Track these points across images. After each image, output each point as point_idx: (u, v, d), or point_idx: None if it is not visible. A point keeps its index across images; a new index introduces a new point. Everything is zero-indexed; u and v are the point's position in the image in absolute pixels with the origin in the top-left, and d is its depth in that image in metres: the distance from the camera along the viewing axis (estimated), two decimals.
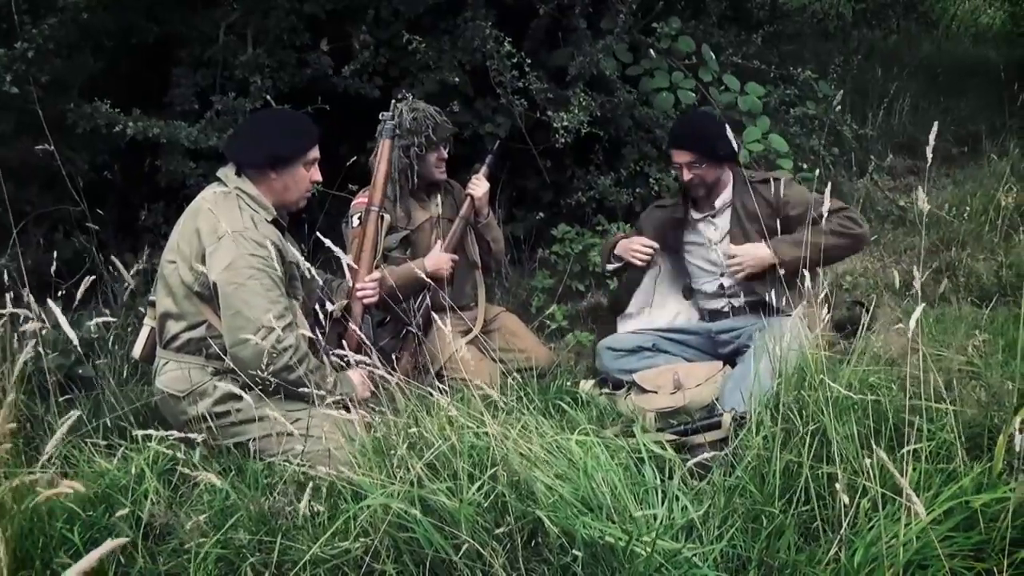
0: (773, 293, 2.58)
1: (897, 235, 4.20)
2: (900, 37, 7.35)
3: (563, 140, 3.67)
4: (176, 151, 3.47)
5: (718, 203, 2.94)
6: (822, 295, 2.25)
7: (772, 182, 2.85)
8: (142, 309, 3.04)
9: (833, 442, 1.81)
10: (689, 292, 3.10)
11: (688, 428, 2.35)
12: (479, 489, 1.73)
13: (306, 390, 2.14)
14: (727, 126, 2.94)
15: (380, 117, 2.85)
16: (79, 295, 2.51)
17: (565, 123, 3.63)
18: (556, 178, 4.23)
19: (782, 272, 2.58)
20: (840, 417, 1.93)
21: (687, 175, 2.87)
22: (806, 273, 2.25)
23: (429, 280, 2.47)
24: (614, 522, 1.68)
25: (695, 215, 2.99)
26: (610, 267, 3.10)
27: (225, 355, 2.24)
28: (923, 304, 1.71)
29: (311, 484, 1.86)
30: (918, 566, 1.60)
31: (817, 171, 3.24)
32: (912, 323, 1.66)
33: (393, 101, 2.94)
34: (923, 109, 5.82)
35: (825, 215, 2.35)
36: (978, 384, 2.37)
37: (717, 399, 2.59)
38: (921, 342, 1.85)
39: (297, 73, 3.73)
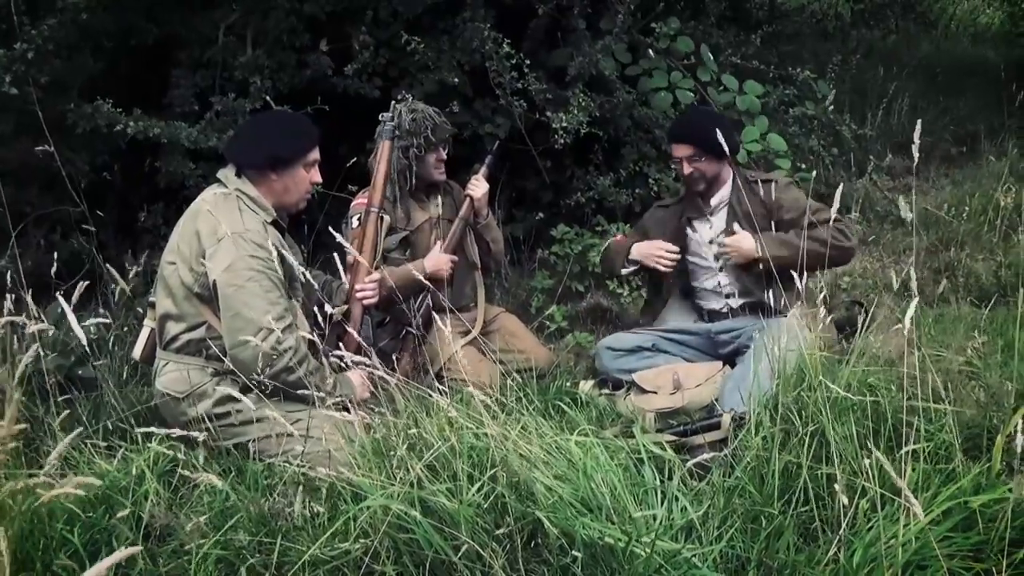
0: (771, 294, 2.58)
1: (896, 235, 4.20)
2: (899, 37, 7.36)
3: (562, 141, 3.67)
4: (176, 152, 3.47)
5: (714, 201, 2.94)
6: (821, 296, 2.25)
7: (768, 184, 2.86)
8: (140, 310, 3.05)
9: (832, 443, 1.81)
10: (689, 291, 3.10)
11: (687, 429, 2.35)
12: (479, 490, 1.73)
13: (306, 391, 2.14)
14: (726, 121, 2.95)
15: (380, 118, 2.85)
16: (75, 298, 2.50)
17: (564, 124, 3.63)
18: (555, 179, 4.24)
19: (760, 267, 2.61)
20: (839, 418, 1.93)
21: (687, 169, 2.88)
22: (795, 275, 2.26)
23: (428, 281, 2.47)
24: (613, 523, 1.68)
25: (695, 213, 3.00)
26: (626, 271, 3.09)
27: (225, 356, 2.25)
28: (916, 300, 1.71)
29: (302, 485, 1.86)
30: (917, 566, 1.60)
31: (815, 172, 3.25)
32: (907, 321, 1.66)
33: (392, 102, 2.94)
34: (922, 109, 5.82)
35: (831, 221, 2.33)
36: (977, 384, 2.37)
37: (716, 399, 2.60)
38: (920, 343, 1.85)
39: (296, 74, 3.73)
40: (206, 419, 2.28)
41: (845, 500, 1.63)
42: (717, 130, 2.53)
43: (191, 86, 3.65)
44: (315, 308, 2.34)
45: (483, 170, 3.04)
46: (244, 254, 2.26)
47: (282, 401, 2.24)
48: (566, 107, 3.72)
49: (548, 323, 3.59)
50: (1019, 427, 1.61)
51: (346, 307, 2.58)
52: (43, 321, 2.23)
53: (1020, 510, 1.67)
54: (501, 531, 1.69)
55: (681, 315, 3.08)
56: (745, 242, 2.77)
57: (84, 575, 0.98)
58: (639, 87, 4.10)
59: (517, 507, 1.72)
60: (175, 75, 3.67)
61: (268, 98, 3.49)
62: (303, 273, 2.12)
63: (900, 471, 1.63)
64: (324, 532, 1.75)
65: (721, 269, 2.94)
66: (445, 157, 2.98)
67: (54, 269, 2.76)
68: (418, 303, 2.84)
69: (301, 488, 1.93)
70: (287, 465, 2.02)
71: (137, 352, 2.50)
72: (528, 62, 3.71)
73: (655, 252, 2.96)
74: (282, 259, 2.33)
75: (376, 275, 2.69)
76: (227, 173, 2.44)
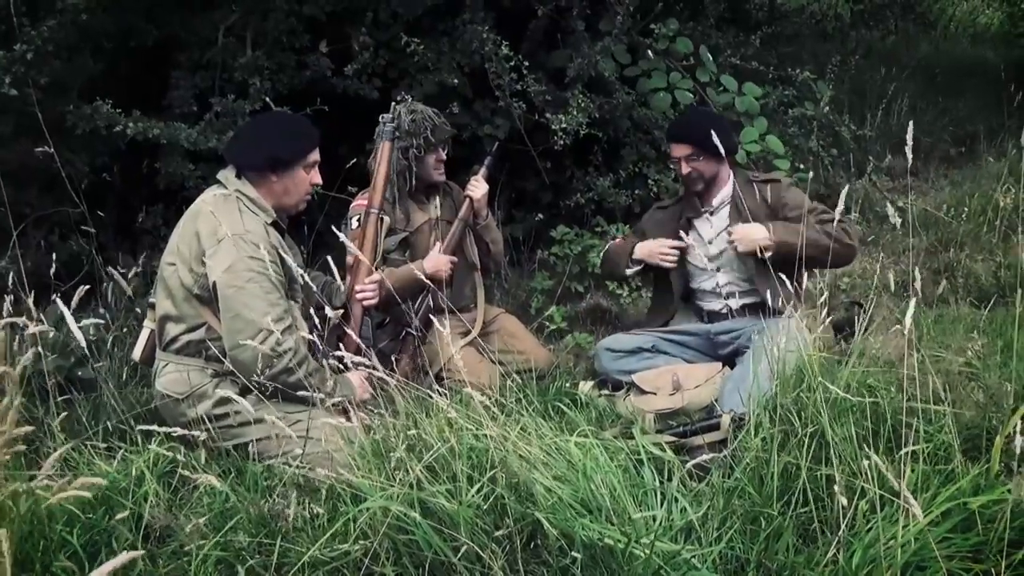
0: (770, 294, 2.58)
1: (895, 236, 4.20)
2: (898, 38, 7.36)
3: (562, 142, 3.67)
4: (175, 153, 3.47)
5: (716, 200, 2.95)
6: (822, 297, 2.25)
7: (772, 184, 2.87)
8: (140, 311, 3.05)
9: (831, 444, 1.81)
10: (688, 294, 3.10)
11: (687, 429, 2.36)
12: (478, 491, 1.73)
13: (305, 393, 2.14)
14: (725, 121, 2.95)
15: (380, 119, 2.85)
16: (75, 301, 2.51)
17: (563, 125, 3.63)
18: (555, 179, 4.24)
19: (769, 254, 2.62)
20: (838, 419, 1.93)
21: (685, 168, 2.89)
22: (804, 272, 2.26)
23: (428, 282, 2.47)
24: (613, 524, 1.68)
25: (695, 212, 3.00)
26: (630, 271, 3.09)
27: (225, 357, 2.25)
28: (914, 300, 1.71)
29: (299, 486, 1.86)
30: (916, 567, 1.60)
31: (811, 173, 3.25)
32: (908, 322, 1.67)
33: (392, 103, 2.95)
34: (921, 110, 5.83)
35: (834, 221, 2.34)
36: (976, 385, 2.38)
37: (716, 400, 2.60)
38: (919, 344, 1.85)
39: (296, 75, 3.73)
40: (206, 420, 2.28)
41: (844, 501, 1.63)
42: (715, 130, 2.54)
43: (191, 87, 3.65)
44: (314, 310, 2.35)
45: (482, 171, 3.04)
46: (244, 255, 2.26)
47: (282, 402, 2.24)
48: (565, 108, 3.72)
49: (548, 324, 3.59)
50: (1018, 428, 1.61)
51: (343, 311, 2.58)
52: (43, 322, 2.23)
53: (1019, 511, 1.68)
54: (500, 532, 1.69)
55: (681, 317, 3.08)
56: (754, 229, 2.76)
57: None
58: (638, 88, 4.10)
59: (516, 508, 1.72)
60: (175, 76, 3.67)
61: (268, 99, 3.49)
62: (302, 275, 2.12)
63: (899, 472, 1.63)
64: (324, 533, 1.75)
65: (718, 270, 2.94)
66: (445, 158, 2.99)
67: (53, 270, 2.76)
68: (418, 304, 2.84)
69: (297, 489, 1.93)
70: (287, 466, 2.02)
71: (137, 353, 2.50)
72: (527, 64, 3.71)
73: (658, 249, 2.96)
74: (282, 260, 2.33)
75: (376, 276, 2.69)
76: (227, 174, 2.44)
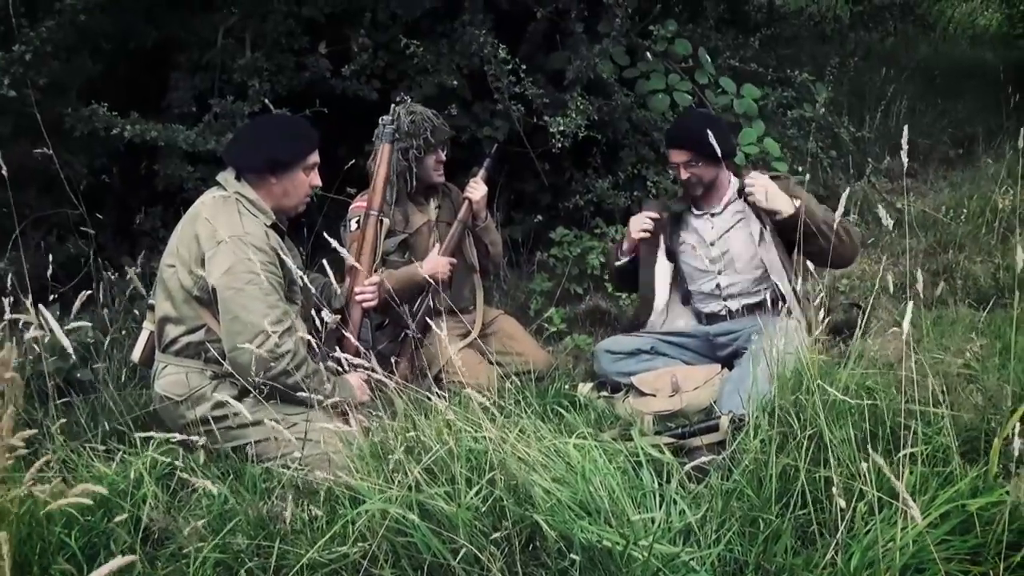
0: (768, 296, 2.59)
1: (894, 238, 4.20)
2: (897, 39, 7.36)
3: (560, 144, 3.67)
4: (174, 155, 3.47)
5: (717, 203, 2.95)
6: (819, 298, 2.25)
7: (777, 181, 2.87)
8: (139, 312, 3.05)
9: (830, 446, 1.81)
10: (688, 297, 3.10)
11: (686, 431, 2.36)
12: (477, 493, 1.73)
13: (304, 395, 2.14)
14: (723, 124, 2.95)
15: (380, 121, 2.85)
16: (76, 306, 2.51)
17: (562, 128, 3.63)
18: (554, 181, 4.24)
19: (781, 217, 2.60)
20: (837, 421, 1.93)
21: (684, 174, 2.89)
22: (811, 265, 2.27)
23: (427, 284, 2.47)
24: (612, 526, 1.68)
25: (695, 212, 3.00)
26: (620, 262, 3.08)
27: (224, 359, 2.25)
28: (911, 303, 1.71)
29: (296, 488, 1.86)
30: (915, 570, 1.60)
31: (808, 176, 3.25)
32: (905, 325, 1.67)
33: (392, 105, 2.95)
34: (920, 111, 5.83)
35: (837, 220, 2.33)
36: (975, 387, 2.38)
37: (715, 402, 2.60)
38: (918, 345, 1.85)
39: (295, 76, 3.74)
40: (205, 422, 2.28)
41: (843, 503, 1.63)
42: (714, 134, 2.54)
43: (190, 88, 3.65)
44: (313, 312, 2.35)
45: (482, 173, 3.04)
46: (243, 257, 2.26)
47: (281, 404, 2.24)
48: (564, 111, 3.73)
49: (547, 325, 3.59)
50: (1016, 430, 1.61)
51: (339, 316, 2.58)
52: (42, 326, 2.23)
53: (1017, 513, 1.68)
54: (499, 534, 1.69)
55: (677, 317, 3.08)
56: (776, 191, 2.72)
57: None
58: (637, 90, 4.11)
59: (515, 510, 1.72)
60: (174, 77, 3.67)
61: (267, 101, 3.49)
62: (301, 277, 2.12)
63: (898, 474, 1.63)
64: (322, 536, 1.75)
65: (720, 272, 2.94)
66: (444, 159, 2.99)
67: (50, 271, 2.76)
68: (417, 306, 2.84)
69: (296, 491, 1.93)
70: (285, 468, 2.02)
71: (136, 355, 2.50)
72: (524, 67, 3.70)
73: (634, 223, 2.96)
74: (281, 263, 2.33)
75: (375, 278, 2.69)
76: (226, 176, 2.44)
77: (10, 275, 2.69)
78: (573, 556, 1.63)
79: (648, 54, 4.06)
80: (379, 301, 2.69)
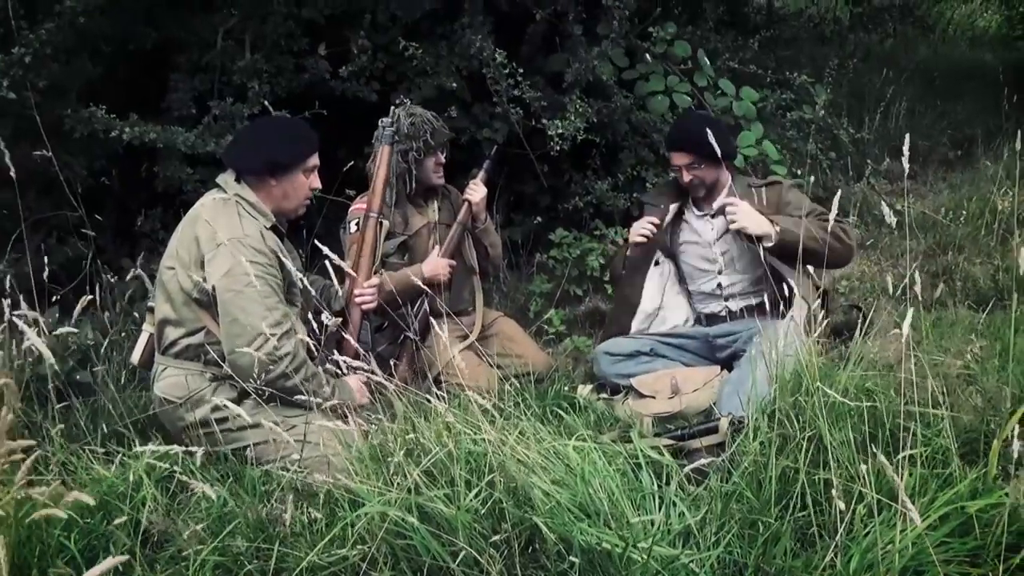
0: (766, 297, 2.59)
1: (893, 239, 4.21)
2: (897, 41, 7.37)
3: (559, 146, 3.68)
4: (173, 156, 3.47)
5: (717, 203, 2.96)
6: (818, 300, 2.26)
7: (775, 186, 2.88)
8: (139, 315, 3.05)
9: (829, 448, 1.81)
10: (686, 296, 3.10)
11: (685, 433, 2.36)
12: (476, 496, 1.73)
13: (303, 397, 2.14)
14: (723, 126, 2.96)
15: (379, 123, 2.85)
16: (77, 311, 2.51)
17: (560, 130, 3.63)
18: (554, 183, 4.24)
19: (770, 244, 2.62)
20: (836, 423, 1.93)
21: (686, 177, 2.90)
22: (810, 270, 2.27)
23: (427, 286, 2.47)
24: (611, 528, 1.68)
25: (696, 212, 3.01)
26: (622, 264, 3.08)
27: (223, 362, 2.25)
28: (912, 310, 1.71)
29: (295, 490, 1.86)
30: (914, 572, 1.60)
31: (812, 177, 3.26)
32: (905, 328, 1.67)
33: (392, 106, 2.95)
34: (920, 113, 5.83)
35: (832, 219, 2.34)
36: (974, 389, 2.38)
37: (714, 404, 2.60)
38: (918, 347, 1.85)
39: (295, 78, 3.73)
40: (204, 424, 2.28)
41: (842, 505, 1.63)
42: (714, 136, 2.54)
43: (189, 90, 3.65)
44: (312, 314, 2.35)
45: (481, 174, 3.05)
46: (243, 259, 2.26)
47: (280, 407, 2.24)
48: (563, 113, 3.73)
49: (546, 327, 3.59)
50: (1015, 432, 1.61)
51: (340, 319, 2.58)
52: (42, 330, 2.23)
53: (1016, 515, 1.68)
54: (498, 537, 1.69)
55: (673, 317, 3.08)
56: (755, 217, 2.71)
57: None
58: (636, 91, 4.11)
59: (515, 513, 1.72)
60: (173, 79, 3.67)
61: (266, 102, 3.49)
62: (300, 280, 2.12)
63: (897, 476, 1.63)
64: (322, 538, 1.75)
65: (720, 272, 2.95)
66: (444, 161, 2.99)
67: (46, 273, 2.75)
68: (416, 308, 2.84)
69: (295, 494, 1.93)
70: (285, 471, 2.02)
71: (136, 357, 2.50)
72: (521, 70, 3.70)
73: (636, 227, 2.94)
74: (281, 265, 2.33)
75: (375, 280, 2.69)
76: (226, 178, 2.44)
77: (9, 277, 2.69)
78: (572, 558, 1.63)
79: (647, 56, 4.06)
80: (378, 303, 2.68)
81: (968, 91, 6.33)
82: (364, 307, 2.66)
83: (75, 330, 2.36)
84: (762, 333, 2.50)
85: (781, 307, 2.62)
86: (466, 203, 2.99)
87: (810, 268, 2.36)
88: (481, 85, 3.81)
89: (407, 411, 1.99)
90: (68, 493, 1.54)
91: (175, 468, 1.98)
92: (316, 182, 2.50)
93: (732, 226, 2.73)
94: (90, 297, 2.55)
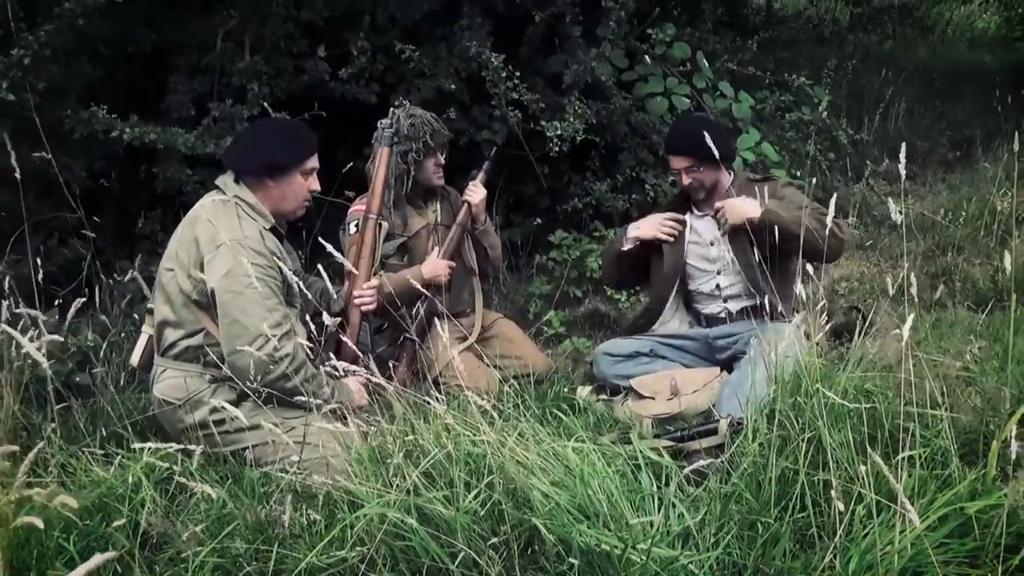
0: (766, 299, 2.59)
1: (893, 240, 4.21)
2: (896, 42, 7.37)
3: (558, 148, 3.68)
4: (173, 158, 3.47)
5: (718, 203, 2.96)
6: (821, 303, 2.25)
7: (770, 182, 2.90)
8: (138, 316, 3.05)
9: (828, 449, 1.81)
10: (687, 296, 3.10)
11: (685, 434, 2.36)
12: (475, 497, 1.73)
13: (303, 398, 2.14)
14: (722, 128, 2.96)
15: (379, 124, 2.86)
16: (72, 311, 2.51)
17: (559, 131, 3.64)
18: (553, 184, 4.24)
19: (753, 218, 2.64)
20: (836, 424, 1.93)
21: (686, 180, 2.91)
22: (810, 269, 2.28)
23: (426, 287, 2.47)
24: (610, 530, 1.68)
25: (696, 213, 3.01)
26: (627, 247, 3.04)
27: (223, 363, 2.25)
28: (913, 315, 1.71)
29: (293, 492, 1.86)
30: (913, 573, 1.60)
31: (814, 179, 3.26)
32: (906, 332, 1.67)
33: (391, 108, 2.95)
34: (919, 114, 5.84)
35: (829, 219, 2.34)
36: (973, 390, 2.38)
37: (714, 405, 2.60)
38: (917, 348, 1.85)
39: (294, 80, 3.74)
40: (203, 426, 2.28)
41: (841, 506, 1.63)
42: (713, 138, 2.55)
43: (189, 92, 3.65)
44: (310, 316, 2.35)
45: (480, 176, 3.05)
46: (243, 261, 2.26)
47: (279, 408, 2.24)
48: (562, 115, 3.73)
49: (546, 329, 3.59)
50: (1014, 433, 1.61)
51: (340, 319, 2.58)
52: (42, 331, 2.23)
53: (1015, 516, 1.68)
54: (498, 538, 1.69)
55: (676, 320, 3.08)
56: (745, 202, 2.75)
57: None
58: (635, 92, 4.11)
59: (514, 514, 1.72)
60: (172, 81, 3.67)
61: (265, 104, 3.49)
62: (297, 283, 2.12)
63: (896, 477, 1.63)
64: (321, 540, 1.75)
65: (719, 272, 2.95)
66: (443, 162, 2.99)
67: (40, 275, 2.75)
68: (416, 309, 2.84)
69: (294, 495, 1.93)
70: (284, 472, 2.02)
71: (135, 359, 2.50)
72: (518, 74, 3.69)
73: (658, 221, 2.95)
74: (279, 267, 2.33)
75: (374, 281, 2.69)
76: (226, 180, 2.44)
77: (7, 279, 2.69)
78: (572, 560, 1.63)
79: (646, 57, 4.07)
80: (378, 305, 2.68)
81: (967, 92, 6.34)
82: (363, 309, 2.66)
83: (59, 338, 2.36)
84: (762, 334, 2.50)
85: (780, 308, 2.63)
86: (465, 204, 2.99)
87: (809, 269, 2.36)
88: (480, 87, 3.81)
89: (406, 412, 1.99)
90: (55, 496, 1.54)
91: (174, 468, 1.98)
92: (315, 184, 2.50)
93: (727, 224, 2.76)
94: (83, 299, 2.55)
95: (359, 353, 2.31)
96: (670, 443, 2.30)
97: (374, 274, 2.72)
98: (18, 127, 3.15)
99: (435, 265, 2.86)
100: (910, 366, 1.83)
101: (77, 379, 2.74)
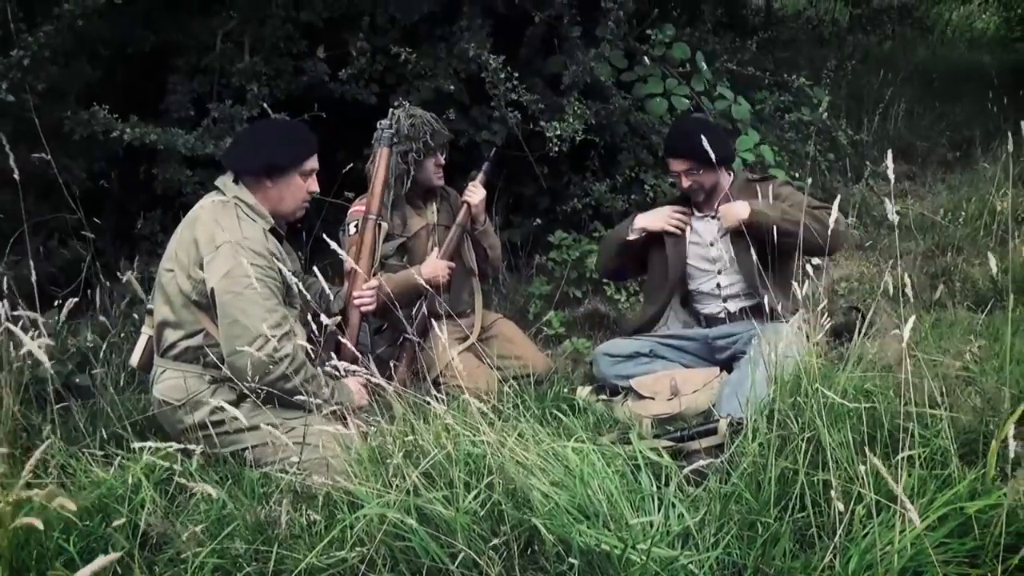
0: (767, 297, 2.59)
1: (892, 240, 4.21)
2: (895, 43, 7.38)
3: (558, 148, 3.68)
4: (173, 159, 3.47)
5: (718, 203, 2.96)
6: (820, 303, 2.26)
7: (768, 182, 2.91)
8: (138, 317, 3.05)
9: (828, 449, 1.81)
10: (687, 296, 3.10)
11: (684, 434, 2.36)
12: (475, 498, 1.73)
13: (302, 399, 2.14)
14: (720, 130, 2.97)
15: (378, 125, 2.86)
16: (64, 312, 2.50)
17: (558, 132, 3.64)
18: (552, 185, 4.25)
19: (744, 218, 2.69)
20: (835, 424, 1.93)
21: (686, 182, 2.91)
22: (810, 269, 2.28)
23: (426, 287, 2.47)
24: (610, 530, 1.68)
25: (696, 213, 3.02)
26: (632, 236, 3.04)
27: (222, 364, 2.25)
28: (914, 317, 1.71)
29: (292, 493, 1.86)
30: (913, 572, 1.60)
31: (810, 180, 3.27)
32: (906, 334, 1.67)
33: (391, 108, 2.95)
34: (918, 114, 5.85)
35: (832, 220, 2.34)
36: (973, 390, 2.38)
37: (714, 405, 2.60)
38: (916, 348, 1.85)
39: (294, 80, 3.74)
40: (203, 426, 2.28)
41: (841, 506, 1.63)
42: (712, 140, 2.55)
43: (188, 93, 3.65)
44: (310, 316, 2.35)
45: (480, 176, 3.05)
46: (243, 261, 2.26)
47: (279, 408, 2.24)
48: (561, 115, 3.73)
49: (546, 329, 3.60)
50: (1013, 432, 1.61)
51: (339, 318, 2.58)
52: (42, 332, 2.23)
53: (1015, 515, 1.68)
54: (497, 539, 1.69)
55: (677, 321, 3.09)
56: (737, 206, 2.79)
57: None
58: (634, 93, 4.11)
59: (513, 514, 1.72)
60: (172, 82, 3.67)
61: (265, 105, 3.49)
62: (296, 284, 2.12)
63: (896, 477, 1.63)
64: (320, 540, 1.75)
65: (720, 272, 2.95)
66: (443, 162, 2.99)
67: (34, 278, 2.75)
68: (415, 310, 2.84)
69: (294, 496, 1.93)
70: (283, 473, 2.02)
71: (135, 359, 2.50)
72: (517, 74, 3.70)
73: (667, 213, 2.98)
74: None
75: (374, 282, 2.69)
76: (225, 180, 2.44)
77: (6, 279, 2.69)
78: (571, 560, 1.63)
79: (646, 58, 4.07)
80: (377, 305, 2.68)
81: (966, 93, 6.35)
82: (363, 309, 2.66)
83: (50, 342, 2.36)
84: (761, 335, 2.50)
85: (780, 308, 2.62)
86: (465, 205, 2.99)
87: (809, 269, 2.36)
88: (480, 88, 3.81)
89: (406, 413, 1.99)
90: (55, 497, 1.54)
91: (174, 468, 1.98)
92: (314, 186, 2.50)
93: (724, 228, 2.82)
94: (76, 299, 2.54)
95: (358, 354, 2.30)
96: (670, 443, 2.30)
97: (373, 274, 2.72)
98: (18, 128, 3.15)
99: (434, 265, 2.86)
100: (909, 366, 1.83)
101: (77, 380, 2.74)
